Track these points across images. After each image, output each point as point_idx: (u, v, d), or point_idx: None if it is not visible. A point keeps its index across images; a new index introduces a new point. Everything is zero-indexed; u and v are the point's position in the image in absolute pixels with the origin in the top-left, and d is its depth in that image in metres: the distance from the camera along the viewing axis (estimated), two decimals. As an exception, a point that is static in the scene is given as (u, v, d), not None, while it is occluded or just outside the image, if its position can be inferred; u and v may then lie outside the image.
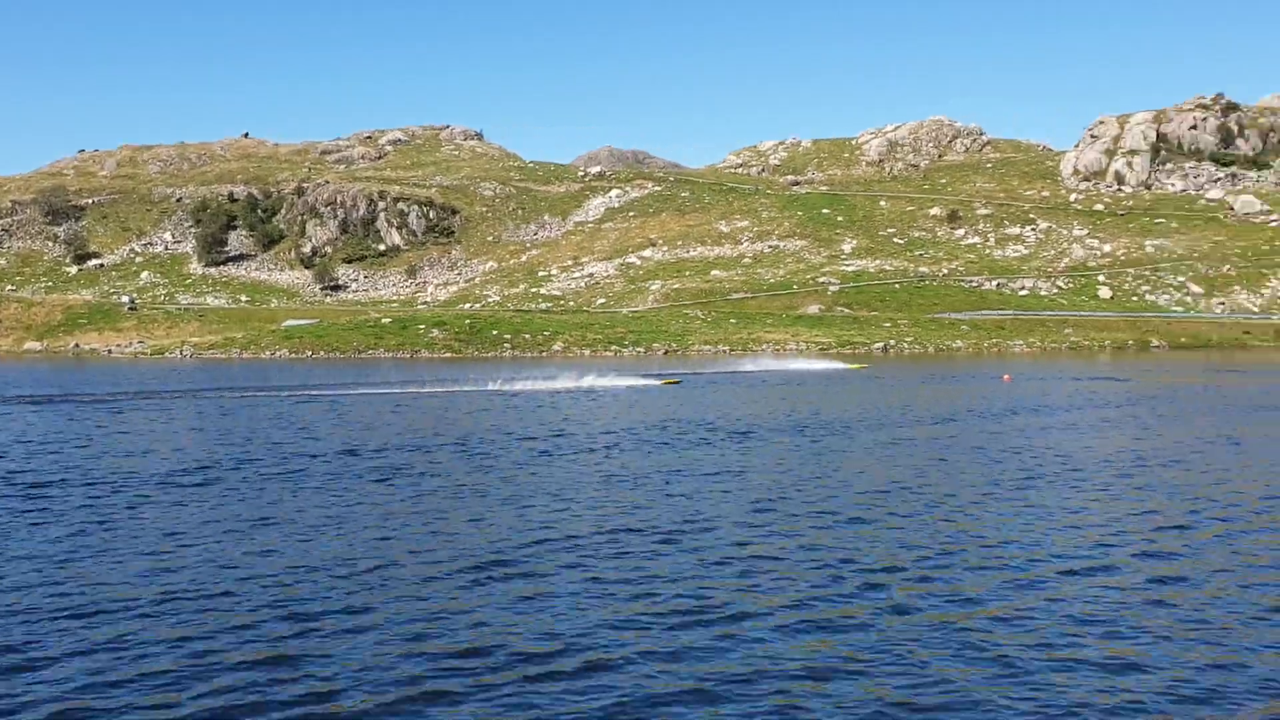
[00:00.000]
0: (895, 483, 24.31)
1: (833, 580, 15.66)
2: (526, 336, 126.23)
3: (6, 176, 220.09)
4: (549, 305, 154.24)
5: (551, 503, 22.02)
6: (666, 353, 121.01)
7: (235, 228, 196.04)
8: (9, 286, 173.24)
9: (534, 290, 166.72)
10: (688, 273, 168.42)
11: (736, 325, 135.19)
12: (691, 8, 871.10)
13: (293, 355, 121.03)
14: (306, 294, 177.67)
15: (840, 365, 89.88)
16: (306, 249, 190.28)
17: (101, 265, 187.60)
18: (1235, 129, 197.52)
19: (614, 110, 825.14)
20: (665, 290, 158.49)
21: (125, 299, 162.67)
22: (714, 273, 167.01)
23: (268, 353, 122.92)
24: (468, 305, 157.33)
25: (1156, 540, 18.14)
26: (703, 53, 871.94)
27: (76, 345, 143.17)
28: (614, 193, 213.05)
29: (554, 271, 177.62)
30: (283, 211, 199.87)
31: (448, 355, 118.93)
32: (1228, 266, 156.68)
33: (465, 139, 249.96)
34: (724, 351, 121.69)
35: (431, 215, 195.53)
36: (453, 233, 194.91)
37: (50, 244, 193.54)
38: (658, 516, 20.31)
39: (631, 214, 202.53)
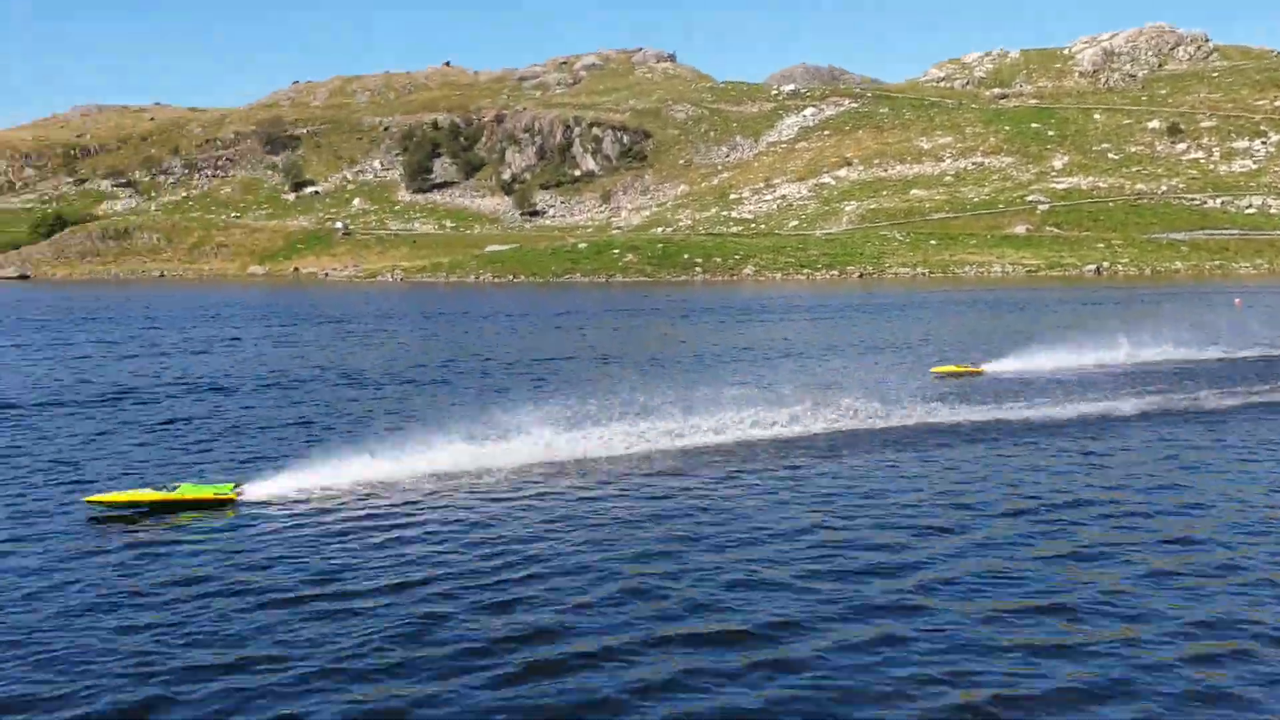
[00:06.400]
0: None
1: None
2: (718, 260, 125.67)
3: (228, 109, 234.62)
4: (740, 229, 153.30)
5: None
6: (861, 275, 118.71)
7: (439, 155, 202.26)
8: (233, 213, 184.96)
9: (725, 214, 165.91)
10: (885, 193, 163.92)
11: (937, 246, 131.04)
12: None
13: (495, 280, 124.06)
14: (507, 220, 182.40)
15: None
16: (506, 175, 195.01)
17: (316, 192, 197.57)
18: None
19: (809, 27, 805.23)
20: (861, 211, 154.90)
21: (339, 225, 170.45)
22: (913, 192, 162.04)
23: (472, 277, 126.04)
24: (660, 229, 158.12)
25: None
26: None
27: (296, 269, 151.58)
28: (808, 111, 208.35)
29: (745, 194, 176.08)
30: (483, 139, 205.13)
31: (640, 279, 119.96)
32: None
33: (658, 61, 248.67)
34: (923, 275, 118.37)
35: (625, 140, 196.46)
36: (645, 157, 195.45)
37: (269, 173, 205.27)
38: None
39: (826, 133, 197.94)
